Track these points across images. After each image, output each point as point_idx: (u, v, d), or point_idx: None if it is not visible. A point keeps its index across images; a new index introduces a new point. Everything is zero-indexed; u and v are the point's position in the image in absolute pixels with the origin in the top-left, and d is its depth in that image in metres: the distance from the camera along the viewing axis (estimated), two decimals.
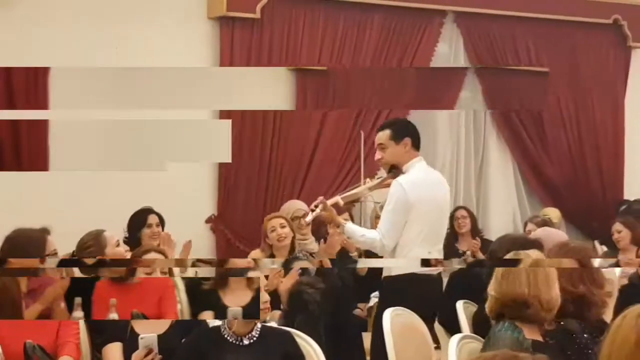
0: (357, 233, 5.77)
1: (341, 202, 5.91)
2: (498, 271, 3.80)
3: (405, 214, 5.50)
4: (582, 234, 9.26)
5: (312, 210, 5.79)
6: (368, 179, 6.56)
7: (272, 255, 6.53)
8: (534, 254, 3.90)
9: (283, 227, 6.48)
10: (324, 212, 5.72)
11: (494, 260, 4.49)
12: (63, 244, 5.11)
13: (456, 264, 6.75)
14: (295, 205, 7.13)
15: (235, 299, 5.03)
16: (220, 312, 4.72)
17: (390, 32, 8.26)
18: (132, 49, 7.33)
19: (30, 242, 4.66)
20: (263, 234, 6.57)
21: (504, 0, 8.72)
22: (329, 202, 5.73)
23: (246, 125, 7.61)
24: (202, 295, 5.18)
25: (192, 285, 5.40)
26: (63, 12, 7.18)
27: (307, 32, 7.84)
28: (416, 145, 5.63)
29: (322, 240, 6.92)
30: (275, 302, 5.93)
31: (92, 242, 5.33)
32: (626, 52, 9.49)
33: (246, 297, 5.07)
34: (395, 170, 5.73)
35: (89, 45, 7.18)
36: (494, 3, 8.68)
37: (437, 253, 5.66)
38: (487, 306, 3.85)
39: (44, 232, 4.78)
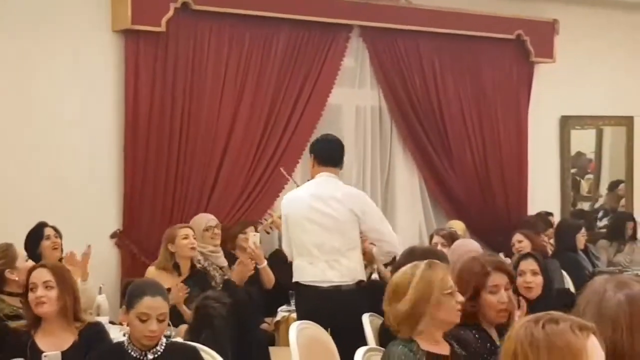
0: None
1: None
2: (389, 287, 3.83)
3: (286, 226, 5.97)
4: (487, 246, 9.36)
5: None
6: None
7: (175, 265, 6.50)
8: (420, 266, 3.89)
9: (195, 237, 6.54)
10: (272, 224, 6.68)
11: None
12: None
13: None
14: (207, 217, 7.19)
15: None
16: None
17: (297, 46, 8.25)
18: (38, 61, 7.20)
19: None
20: (167, 240, 6.53)
21: (409, 15, 8.79)
22: (277, 214, 6.58)
23: (151, 139, 7.52)
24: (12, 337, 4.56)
25: None
26: None
27: (213, 46, 7.78)
28: (322, 161, 5.95)
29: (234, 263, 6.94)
30: (179, 318, 5.90)
31: (2, 255, 5.23)
32: (529, 67, 9.66)
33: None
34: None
35: None
36: (399, 18, 8.75)
37: (324, 263, 5.76)
38: (386, 321, 3.88)
39: None
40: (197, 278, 6.51)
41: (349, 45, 8.64)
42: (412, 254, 4.87)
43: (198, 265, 6.76)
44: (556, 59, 9.67)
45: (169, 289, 5.27)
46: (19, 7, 7.14)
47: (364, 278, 6.05)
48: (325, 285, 5.74)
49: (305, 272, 5.82)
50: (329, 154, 5.99)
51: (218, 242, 7.07)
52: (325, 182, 5.91)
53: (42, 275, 4.45)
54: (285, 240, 6.07)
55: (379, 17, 8.64)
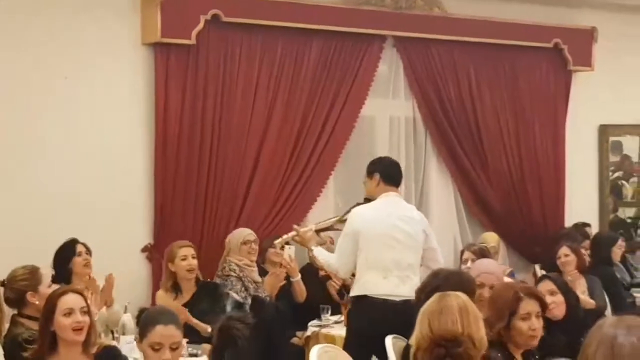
0: (321, 257, 6.36)
1: (314, 229, 6.63)
2: (427, 312, 3.75)
3: (354, 241, 6.03)
4: (523, 258, 9.27)
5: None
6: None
7: (175, 285, 6.45)
8: (461, 294, 3.86)
9: (194, 257, 6.48)
10: (296, 237, 6.56)
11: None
12: None
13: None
14: (247, 231, 7.18)
15: None
16: None
17: (330, 57, 8.18)
18: (67, 77, 7.21)
19: None
20: (167, 258, 6.49)
21: (443, 25, 8.70)
22: (303, 230, 6.57)
23: (182, 153, 7.49)
24: None
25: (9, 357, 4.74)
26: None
27: (244, 59, 7.73)
28: (388, 180, 6.25)
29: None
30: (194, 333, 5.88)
31: (27, 276, 5.21)
32: (567, 76, 9.52)
33: None
34: (366, 203, 6.29)
35: (21, 73, 7.07)
36: (434, 28, 8.66)
37: (397, 278, 5.97)
38: (414, 342, 3.80)
39: None
40: (207, 290, 6.46)
41: (383, 56, 8.56)
42: (437, 277, 4.83)
43: (234, 275, 6.72)
44: (594, 67, 9.52)
45: None
46: (49, 22, 7.15)
47: None
48: (397, 299, 5.93)
49: (379, 286, 5.98)
50: (395, 174, 6.32)
51: (254, 257, 7.04)
52: (398, 201, 6.25)
53: (79, 301, 4.42)
54: (344, 253, 6.11)
55: (413, 27, 8.55)
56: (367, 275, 6.00)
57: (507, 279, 5.70)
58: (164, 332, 3.99)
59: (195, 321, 6.09)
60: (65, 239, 6.53)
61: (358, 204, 6.30)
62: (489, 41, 8.94)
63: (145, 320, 4.08)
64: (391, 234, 6.01)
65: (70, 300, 4.36)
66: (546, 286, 5.36)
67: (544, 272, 8.33)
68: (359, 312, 6.06)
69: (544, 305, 4.51)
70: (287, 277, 7.13)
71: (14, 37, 7.04)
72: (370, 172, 6.27)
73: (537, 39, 9.21)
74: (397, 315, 5.77)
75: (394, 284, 5.95)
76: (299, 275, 7.25)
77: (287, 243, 7.13)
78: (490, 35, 8.92)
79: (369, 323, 5.86)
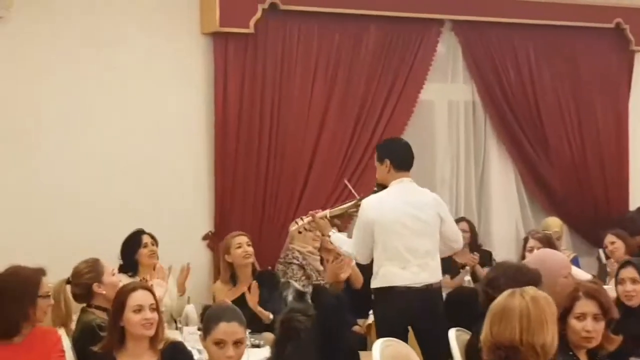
0: (340, 244, 6.22)
1: (328, 216, 6.44)
2: (490, 313, 3.69)
3: (368, 232, 5.94)
4: (587, 242, 9.16)
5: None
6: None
7: (233, 276, 6.49)
8: (530, 292, 3.74)
9: (249, 245, 6.52)
10: (312, 223, 6.41)
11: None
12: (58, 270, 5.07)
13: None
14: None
15: None
16: None
17: (387, 42, 8.15)
18: (127, 66, 7.27)
19: (24, 282, 4.56)
20: (223, 250, 6.54)
21: (502, 7, 8.60)
22: (318, 215, 6.37)
23: (241, 140, 7.52)
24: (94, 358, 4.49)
25: (81, 344, 4.84)
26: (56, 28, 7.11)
27: (302, 46, 7.74)
28: (399, 165, 6.04)
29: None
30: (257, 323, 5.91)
31: (90, 269, 5.30)
32: (629, 57, 9.36)
33: None
34: (379, 189, 6.14)
35: (84, 64, 7.14)
36: (492, 10, 8.56)
37: (417, 267, 5.88)
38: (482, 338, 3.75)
39: (39, 272, 4.68)
40: (264, 279, 6.46)
41: (441, 40, 8.49)
42: (503, 269, 4.75)
43: (296, 262, 6.73)
44: None
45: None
46: (110, 14, 7.22)
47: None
48: (419, 285, 5.88)
49: (398, 277, 5.90)
50: (406, 158, 6.11)
51: (318, 244, 7.03)
52: (412, 187, 6.07)
53: (149, 298, 4.46)
54: (360, 243, 6.03)
55: (471, 10, 8.47)
56: (386, 266, 5.93)
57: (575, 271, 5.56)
58: (227, 329, 4.02)
59: (259, 309, 6.12)
60: (131, 228, 6.62)
61: (374, 192, 6.18)
62: (548, 23, 8.81)
63: (209, 318, 4.12)
64: (405, 223, 5.90)
65: (139, 296, 4.41)
66: (629, 273, 5.22)
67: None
68: (384, 303, 6.01)
69: (605, 308, 4.30)
70: None
71: (73, 31, 7.11)
72: (380, 158, 6.10)
73: (597, 20, 9.06)
74: (422, 302, 5.84)
75: (414, 272, 5.88)
76: (353, 261, 7.17)
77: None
78: (549, 17, 8.80)
79: (396, 312, 5.86)
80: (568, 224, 8.87)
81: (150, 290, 4.52)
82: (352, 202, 6.53)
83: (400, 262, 5.89)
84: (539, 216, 8.93)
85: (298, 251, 6.92)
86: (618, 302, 5.14)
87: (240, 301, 6.31)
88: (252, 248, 6.58)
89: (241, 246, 6.53)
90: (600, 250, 8.73)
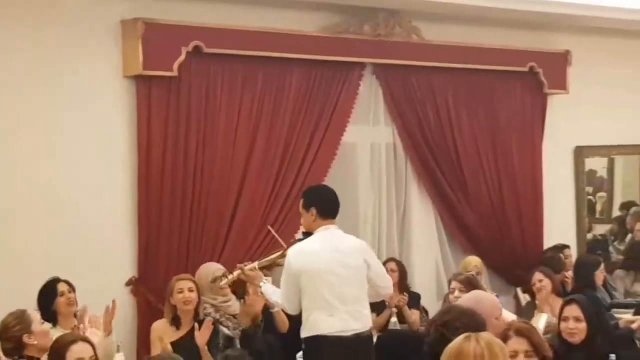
0: (269, 295, 6.25)
1: (257, 266, 6.46)
2: (445, 355, 3.69)
3: (295, 283, 5.91)
4: (504, 282, 9.31)
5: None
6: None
7: (176, 318, 6.46)
8: (485, 337, 3.76)
9: (191, 290, 6.54)
10: (242, 276, 6.37)
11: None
12: None
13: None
14: (213, 266, 7.14)
15: None
16: None
17: (310, 85, 8.18)
18: (47, 109, 7.13)
19: None
20: (168, 292, 6.52)
21: (421, 51, 8.74)
22: (247, 267, 6.39)
23: (165, 184, 7.44)
24: None
25: None
26: None
27: (225, 89, 7.71)
28: (325, 213, 6.03)
29: (242, 300, 6.88)
30: None
31: (18, 321, 5.21)
32: (542, 99, 9.60)
33: None
34: (304, 237, 6.17)
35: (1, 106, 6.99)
36: (412, 54, 8.70)
37: (346, 314, 5.86)
38: None
39: None
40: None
41: (362, 83, 8.57)
42: (457, 313, 4.77)
43: (208, 318, 6.67)
44: (569, 90, 9.61)
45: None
46: (31, 56, 7.07)
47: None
48: (348, 334, 5.85)
49: (326, 324, 5.86)
50: (332, 206, 6.13)
51: (228, 291, 6.98)
52: (338, 234, 6.08)
53: (88, 350, 4.48)
54: (289, 295, 5.99)
55: (392, 54, 8.59)
56: (314, 314, 5.90)
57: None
58: None
59: (206, 349, 6.22)
60: (52, 274, 6.51)
61: (298, 240, 6.24)
62: (466, 66, 9.00)
63: None
64: (332, 270, 5.88)
65: (79, 349, 4.39)
66: (573, 312, 5.31)
67: (527, 297, 8.42)
68: (314, 352, 5.97)
69: (536, 346, 4.33)
70: (267, 308, 7.01)
71: None
72: (305, 206, 6.09)
73: (512, 63, 9.29)
74: (353, 351, 5.83)
75: (343, 319, 5.85)
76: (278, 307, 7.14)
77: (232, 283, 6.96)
78: (467, 61, 8.98)
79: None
80: (486, 264, 8.99)
81: (89, 341, 4.46)
82: (280, 252, 6.53)
83: (327, 310, 5.86)
84: (458, 256, 9.06)
85: (210, 304, 6.88)
86: (560, 338, 5.23)
87: (185, 341, 6.30)
88: (194, 293, 6.57)
89: (182, 291, 6.55)
90: (518, 289, 8.90)
